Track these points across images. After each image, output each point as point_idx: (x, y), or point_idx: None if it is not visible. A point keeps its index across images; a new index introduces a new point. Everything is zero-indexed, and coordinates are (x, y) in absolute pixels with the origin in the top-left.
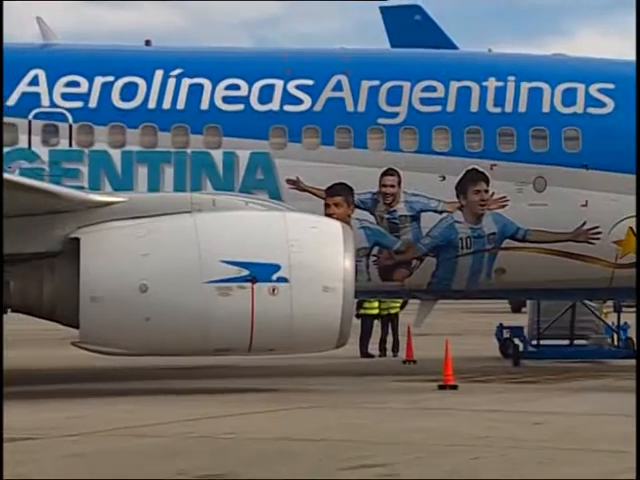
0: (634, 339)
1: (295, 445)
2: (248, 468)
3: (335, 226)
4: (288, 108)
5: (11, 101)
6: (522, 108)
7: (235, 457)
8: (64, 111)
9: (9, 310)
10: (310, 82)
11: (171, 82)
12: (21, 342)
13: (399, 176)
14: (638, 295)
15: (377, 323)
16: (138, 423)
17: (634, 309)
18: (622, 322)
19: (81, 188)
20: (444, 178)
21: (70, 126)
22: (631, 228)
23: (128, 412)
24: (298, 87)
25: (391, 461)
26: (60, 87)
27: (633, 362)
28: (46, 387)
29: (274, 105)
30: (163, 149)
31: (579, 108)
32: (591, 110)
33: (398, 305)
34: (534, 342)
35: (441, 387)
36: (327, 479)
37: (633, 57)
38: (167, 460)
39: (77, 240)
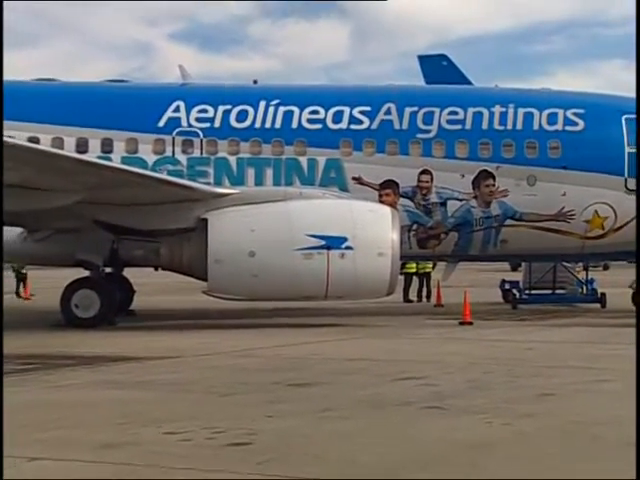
0: (598, 290)
1: (359, 363)
2: (327, 378)
3: (386, 210)
4: (353, 127)
5: (161, 123)
6: (519, 126)
7: (316, 371)
8: (197, 130)
9: (159, 268)
10: (368, 108)
11: (271, 109)
12: (167, 290)
13: (432, 175)
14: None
15: (415, 279)
16: (245, 347)
17: (598, 269)
18: (589, 277)
19: (208, 184)
20: (463, 176)
21: (201, 140)
22: (596, 211)
23: (238, 339)
24: (360, 112)
25: (428, 375)
26: (194, 113)
27: (597, 306)
28: (184, 321)
29: (343, 125)
30: (265, 156)
31: (559, 126)
32: (568, 128)
33: (430, 266)
34: (527, 292)
35: (461, 323)
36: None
37: (595, 91)
38: (267, 373)
39: (206, 220)
